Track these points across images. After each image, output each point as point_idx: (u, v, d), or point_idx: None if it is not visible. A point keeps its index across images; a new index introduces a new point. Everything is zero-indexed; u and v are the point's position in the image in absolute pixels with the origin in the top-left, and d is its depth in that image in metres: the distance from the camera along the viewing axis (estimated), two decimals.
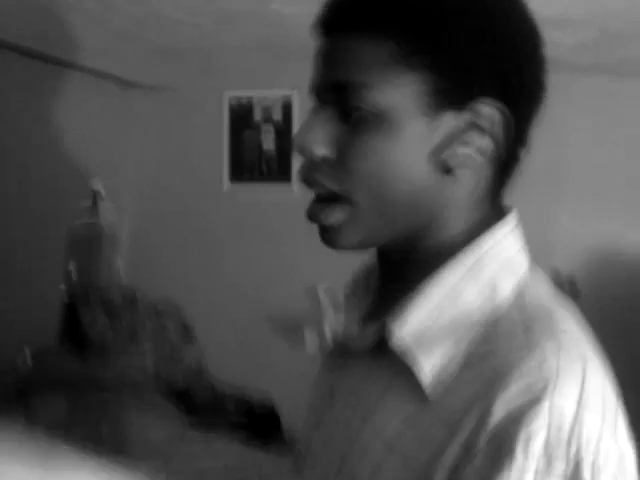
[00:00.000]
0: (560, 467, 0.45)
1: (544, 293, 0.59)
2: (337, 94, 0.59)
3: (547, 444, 0.46)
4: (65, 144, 2.89)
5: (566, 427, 0.46)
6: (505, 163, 0.62)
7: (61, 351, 2.84)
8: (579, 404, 0.47)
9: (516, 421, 0.47)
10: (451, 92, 0.56)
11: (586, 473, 0.45)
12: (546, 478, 0.45)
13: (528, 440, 0.46)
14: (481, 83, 0.57)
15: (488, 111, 0.57)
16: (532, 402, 0.47)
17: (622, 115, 2.65)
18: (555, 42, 2.27)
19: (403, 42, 0.56)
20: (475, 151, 0.58)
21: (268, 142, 3.16)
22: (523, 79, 0.59)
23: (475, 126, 0.57)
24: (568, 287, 2.70)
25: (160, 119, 3.39)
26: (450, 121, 0.57)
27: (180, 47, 3.11)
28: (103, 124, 3.15)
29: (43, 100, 2.76)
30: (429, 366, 0.55)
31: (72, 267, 3.18)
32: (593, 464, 0.46)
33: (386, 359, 0.59)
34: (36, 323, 2.83)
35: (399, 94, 0.56)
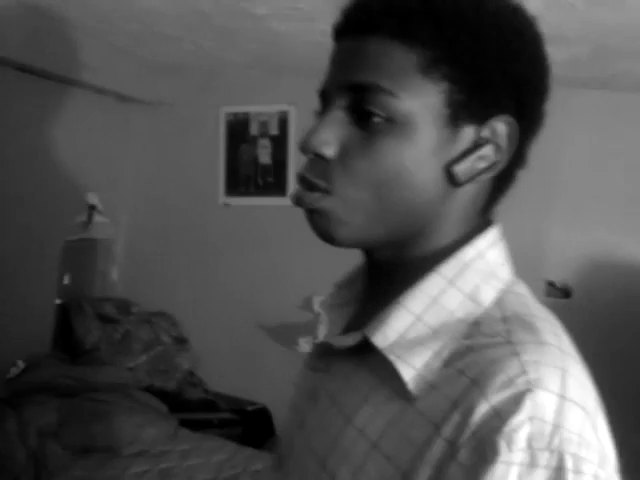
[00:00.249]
0: (544, 459, 0.46)
1: (525, 303, 0.59)
2: (354, 96, 0.57)
3: (530, 437, 0.46)
4: (63, 158, 2.90)
5: (549, 419, 0.47)
6: (503, 180, 0.62)
7: (54, 358, 2.84)
8: (561, 397, 0.48)
9: (499, 415, 0.47)
10: (472, 107, 0.56)
11: (569, 464, 0.46)
12: (530, 470, 0.45)
13: (512, 433, 0.46)
14: (501, 101, 0.57)
15: (505, 129, 0.57)
16: (515, 396, 0.47)
17: (615, 129, 2.68)
18: (550, 57, 2.30)
19: (430, 52, 0.55)
20: (486, 167, 0.58)
21: (264, 156, 3.18)
22: (536, 102, 0.60)
23: (492, 143, 0.57)
24: (561, 292, 2.74)
25: (157, 134, 3.41)
26: (469, 135, 0.57)
27: (178, 63, 3.14)
28: (101, 139, 3.17)
29: (41, 115, 2.77)
30: (412, 366, 0.55)
31: (67, 280, 3.19)
32: (575, 456, 0.46)
33: (370, 361, 0.59)
34: (31, 334, 2.83)
35: (420, 104, 0.55)
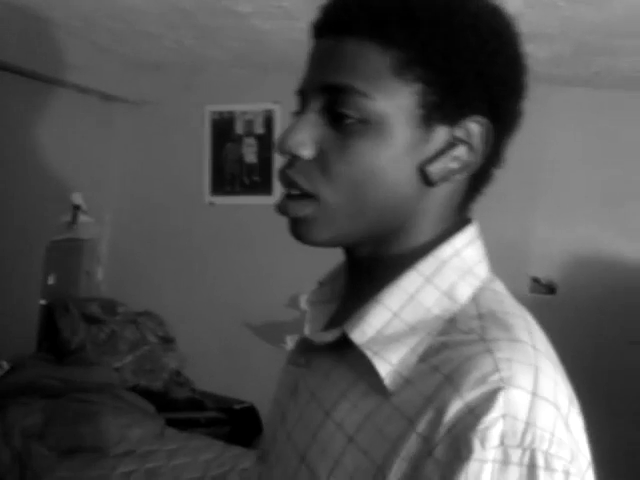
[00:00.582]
0: (516, 456, 0.46)
1: (501, 300, 0.60)
2: (329, 97, 0.58)
3: (503, 434, 0.47)
4: (47, 158, 2.88)
5: (521, 417, 0.47)
6: (479, 180, 0.63)
7: (40, 359, 2.82)
8: (533, 394, 0.49)
9: (473, 412, 0.48)
10: (446, 108, 0.57)
11: (540, 461, 0.46)
12: (503, 467, 0.46)
13: (485, 431, 0.47)
14: (475, 102, 0.57)
15: (479, 130, 0.58)
16: (488, 393, 0.48)
17: (598, 126, 2.70)
18: (531, 55, 2.31)
19: (404, 54, 0.55)
20: (459, 167, 0.59)
21: (250, 155, 3.18)
22: (511, 102, 0.61)
23: (466, 143, 0.58)
24: (546, 289, 2.76)
25: (142, 133, 3.40)
26: (442, 135, 0.58)
27: (161, 62, 3.12)
28: (85, 138, 3.15)
29: (25, 115, 2.75)
30: (388, 361, 0.55)
31: (52, 280, 3.17)
32: (547, 453, 0.47)
33: (349, 357, 0.60)
34: (16, 334, 2.81)
35: (394, 104, 0.56)
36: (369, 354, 0.56)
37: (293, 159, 0.60)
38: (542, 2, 1.79)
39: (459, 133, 0.58)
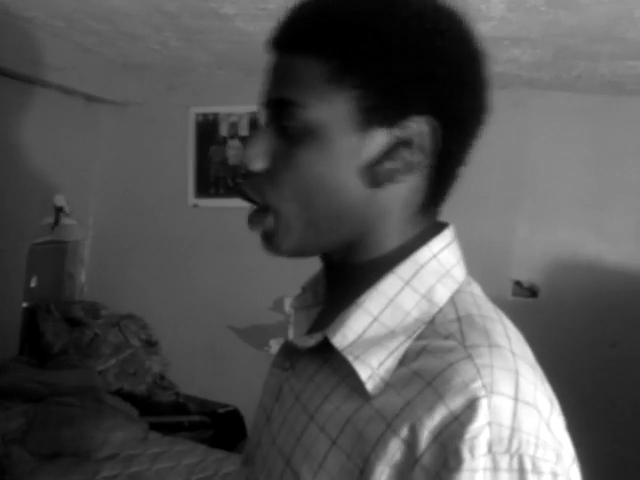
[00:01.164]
0: (505, 462, 0.47)
1: (478, 304, 0.61)
2: (274, 110, 0.61)
3: (491, 442, 0.47)
4: (29, 160, 2.86)
5: (506, 423, 0.48)
6: (440, 181, 0.63)
7: (22, 362, 2.80)
8: (515, 400, 0.50)
9: (458, 420, 0.48)
10: (381, 110, 0.57)
11: (528, 465, 0.48)
12: (494, 474, 0.47)
13: (473, 440, 0.47)
14: (414, 101, 0.58)
15: (418, 129, 0.58)
16: (471, 401, 0.49)
17: (579, 129, 2.74)
18: (514, 59, 2.34)
19: (334, 63, 0.57)
20: (404, 167, 0.59)
21: (234, 157, 3.17)
22: (458, 100, 0.60)
23: (405, 143, 0.58)
24: (528, 292, 2.79)
25: (126, 134, 3.38)
26: (381, 137, 0.58)
27: (146, 63, 3.11)
28: (68, 139, 3.13)
29: (8, 116, 2.73)
30: (369, 365, 0.56)
31: (34, 283, 3.15)
32: (534, 457, 0.48)
33: (332, 361, 0.61)
34: None
35: (329, 111, 0.57)
36: (350, 358, 0.57)
37: (247, 173, 0.62)
38: (524, 7, 1.81)
39: (400, 133, 0.58)
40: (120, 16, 2.32)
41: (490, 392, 0.49)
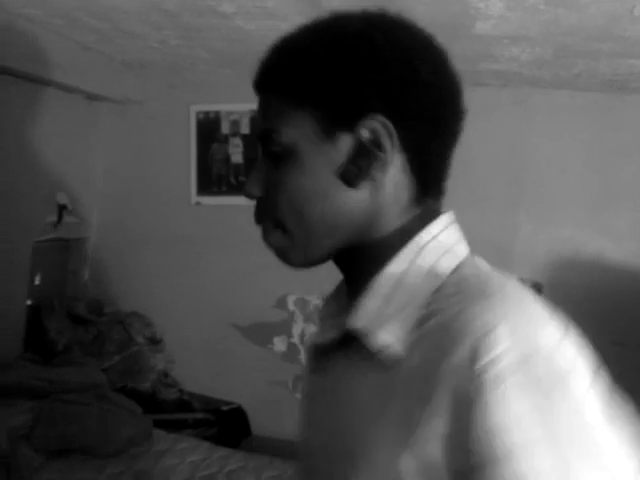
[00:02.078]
0: (532, 378, 0.52)
1: (479, 267, 0.67)
2: (261, 141, 0.71)
3: (515, 362, 0.52)
4: (31, 158, 2.87)
5: (528, 341, 0.54)
6: (419, 173, 0.69)
7: (26, 360, 2.81)
8: (529, 319, 0.57)
9: (482, 353, 0.53)
10: (337, 118, 0.66)
11: (561, 370, 0.54)
12: (524, 387, 0.52)
13: (498, 366, 0.52)
14: (365, 104, 0.65)
15: (371, 126, 0.65)
16: (492, 332, 0.54)
17: (579, 128, 2.73)
18: (514, 58, 2.34)
19: (290, 91, 0.68)
20: (371, 163, 0.65)
21: (236, 155, 3.18)
22: (405, 99, 0.66)
23: (368, 142, 0.65)
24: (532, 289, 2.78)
25: (127, 133, 3.38)
26: (344, 142, 0.66)
27: (146, 62, 3.11)
28: (70, 137, 3.14)
29: (9, 114, 2.73)
30: (386, 337, 0.62)
31: (38, 280, 3.16)
32: (561, 369, 0.54)
33: (359, 349, 0.65)
34: (2, 335, 2.80)
35: (297, 131, 0.67)
36: (369, 335, 0.63)
37: (256, 200, 0.73)
38: (523, 5, 1.81)
39: (357, 135, 0.66)
40: (120, 14, 2.32)
41: (505, 319, 0.55)
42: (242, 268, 3.19)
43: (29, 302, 3.05)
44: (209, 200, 3.25)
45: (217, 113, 3.18)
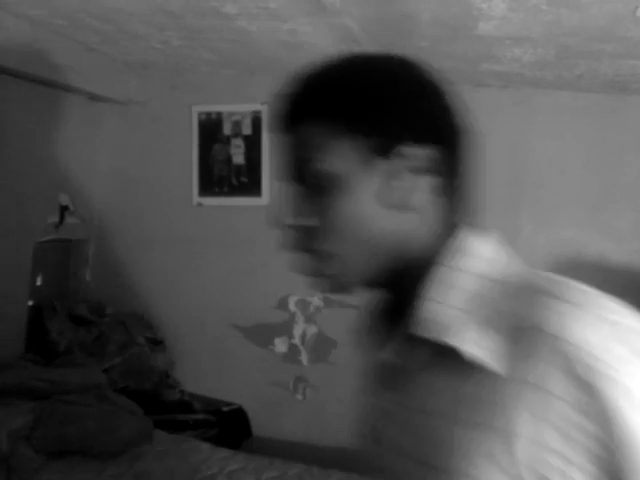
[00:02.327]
0: (597, 376, 0.56)
1: (529, 271, 0.70)
2: (298, 173, 0.73)
3: (580, 368, 0.56)
4: (33, 159, 2.88)
5: (591, 345, 0.57)
6: (452, 192, 0.73)
7: (27, 360, 2.81)
8: (591, 317, 0.61)
9: (560, 349, 0.57)
10: (376, 146, 0.69)
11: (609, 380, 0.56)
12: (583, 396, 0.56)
13: (576, 358, 0.57)
14: (398, 135, 0.69)
15: (407, 153, 0.69)
16: (562, 336, 0.58)
17: (581, 128, 2.73)
18: (516, 59, 2.34)
19: (333, 122, 0.70)
20: (409, 186, 0.69)
21: (238, 156, 3.18)
22: (438, 129, 0.72)
23: (404, 167, 0.69)
24: None
25: (129, 133, 3.39)
26: (383, 168, 0.69)
27: (149, 62, 3.12)
28: (72, 138, 3.14)
29: (11, 115, 2.74)
30: (461, 342, 0.63)
31: (39, 281, 3.16)
32: (621, 371, 0.56)
33: (417, 358, 0.68)
34: (3, 336, 2.80)
35: (339, 159, 0.70)
36: (447, 342, 0.64)
37: (294, 228, 0.74)
38: (525, 6, 1.80)
39: (395, 161, 0.69)
40: (122, 15, 2.33)
41: (570, 325, 0.59)
42: (243, 269, 3.19)
43: (30, 303, 3.05)
44: (211, 201, 3.25)
45: (219, 114, 3.19)
